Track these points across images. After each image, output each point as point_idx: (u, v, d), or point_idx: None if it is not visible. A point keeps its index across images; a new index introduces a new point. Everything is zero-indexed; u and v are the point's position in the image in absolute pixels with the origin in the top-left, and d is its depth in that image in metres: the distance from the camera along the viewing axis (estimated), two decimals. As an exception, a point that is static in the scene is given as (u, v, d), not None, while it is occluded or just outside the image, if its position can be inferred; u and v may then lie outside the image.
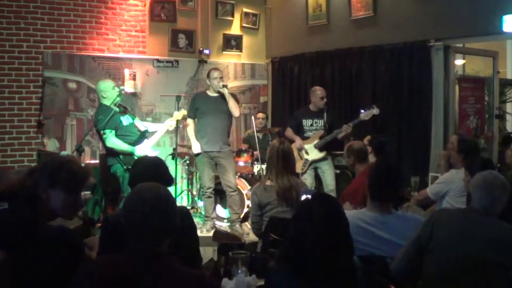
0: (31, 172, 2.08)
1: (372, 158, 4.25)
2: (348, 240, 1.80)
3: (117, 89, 4.72)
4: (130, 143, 4.64)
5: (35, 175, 2.05)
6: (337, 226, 1.78)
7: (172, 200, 1.75)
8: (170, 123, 5.01)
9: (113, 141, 4.57)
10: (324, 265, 1.71)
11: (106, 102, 4.66)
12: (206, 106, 5.10)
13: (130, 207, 1.70)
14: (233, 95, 5.35)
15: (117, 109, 4.65)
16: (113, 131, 4.58)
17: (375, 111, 5.22)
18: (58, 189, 2.00)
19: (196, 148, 5.20)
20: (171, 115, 5.29)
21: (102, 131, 4.56)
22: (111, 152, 4.63)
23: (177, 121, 5.08)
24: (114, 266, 1.65)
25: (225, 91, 5.06)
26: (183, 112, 5.17)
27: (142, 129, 4.85)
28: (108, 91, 4.67)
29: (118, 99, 4.68)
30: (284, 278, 1.73)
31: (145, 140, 4.79)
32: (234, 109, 5.10)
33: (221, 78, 5.15)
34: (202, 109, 5.13)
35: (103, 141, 4.64)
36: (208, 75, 5.21)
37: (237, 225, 5.23)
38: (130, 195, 1.78)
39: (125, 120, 4.74)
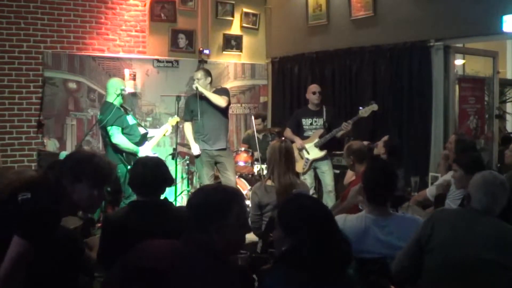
0: (52, 166, 2.08)
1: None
2: (340, 236, 1.82)
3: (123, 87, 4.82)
4: (133, 144, 4.69)
5: (57, 168, 2.05)
6: (328, 224, 1.81)
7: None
8: (166, 128, 5.13)
9: (119, 138, 4.59)
10: (322, 266, 1.71)
11: (110, 98, 4.71)
12: (200, 107, 5.11)
13: (193, 198, 1.76)
14: (220, 90, 5.37)
15: (120, 108, 4.72)
16: (120, 128, 4.62)
17: (374, 107, 5.23)
18: (83, 183, 2.00)
19: (195, 149, 5.23)
20: (171, 115, 5.34)
21: (108, 127, 4.58)
22: (115, 149, 4.64)
23: (172, 126, 5.16)
24: (170, 250, 1.67)
25: (200, 90, 5.06)
26: (177, 118, 5.27)
27: (142, 131, 4.90)
28: (121, 87, 4.77)
29: (120, 99, 4.73)
30: (278, 281, 1.73)
31: (146, 142, 4.86)
32: (217, 101, 5.09)
33: (198, 79, 5.14)
34: (196, 111, 5.14)
35: (108, 138, 4.64)
36: None
37: None
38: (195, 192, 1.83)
39: (130, 119, 4.80)
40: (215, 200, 1.69)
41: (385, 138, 4.57)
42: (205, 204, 1.69)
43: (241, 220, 1.72)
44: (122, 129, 4.65)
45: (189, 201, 1.79)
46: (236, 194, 1.78)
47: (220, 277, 1.62)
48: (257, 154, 5.89)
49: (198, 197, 1.74)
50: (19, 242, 1.81)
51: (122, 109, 4.79)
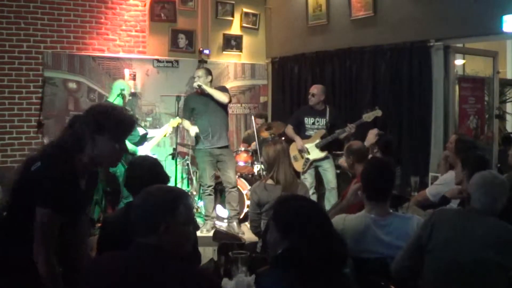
0: (72, 123, 2.05)
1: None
2: (335, 236, 1.83)
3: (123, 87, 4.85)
4: (132, 144, 4.70)
5: (78, 123, 2.02)
6: (324, 225, 1.82)
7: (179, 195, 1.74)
8: (166, 130, 5.14)
9: None
10: (317, 267, 1.72)
11: (111, 98, 4.74)
12: (201, 106, 5.11)
13: (138, 200, 1.72)
14: (220, 88, 5.36)
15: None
16: None
17: (378, 112, 5.22)
18: (105, 136, 1.98)
19: (193, 130, 5.13)
20: (171, 115, 5.34)
21: None
22: None
23: (173, 128, 5.16)
24: (118, 262, 1.65)
25: (202, 87, 5.07)
26: (178, 120, 5.26)
27: (142, 132, 4.91)
28: (126, 88, 4.85)
29: (120, 99, 4.75)
30: (275, 282, 1.73)
31: (146, 143, 4.87)
32: (220, 97, 5.09)
33: (199, 77, 5.14)
34: (197, 109, 5.14)
35: None
36: None
37: (234, 223, 5.22)
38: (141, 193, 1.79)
39: None
40: (161, 201, 1.66)
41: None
42: (152, 205, 1.66)
43: (188, 218, 1.71)
44: None
45: (133, 205, 1.74)
46: (181, 192, 1.77)
47: (174, 277, 1.59)
48: (254, 145, 5.89)
49: (143, 199, 1.70)
50: (41, 212, 1.86)
51: None
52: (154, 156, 4.57)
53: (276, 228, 1.85)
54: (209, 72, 5.26)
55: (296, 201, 1.94)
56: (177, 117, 5.30)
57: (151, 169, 2.59)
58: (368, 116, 5.24)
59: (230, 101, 5.26)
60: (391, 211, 2.64)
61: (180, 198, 1.70)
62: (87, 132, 1.97)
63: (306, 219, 1.79)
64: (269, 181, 3.54)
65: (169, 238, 1.63)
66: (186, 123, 5.26)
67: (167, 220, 1.63)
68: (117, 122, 2.00)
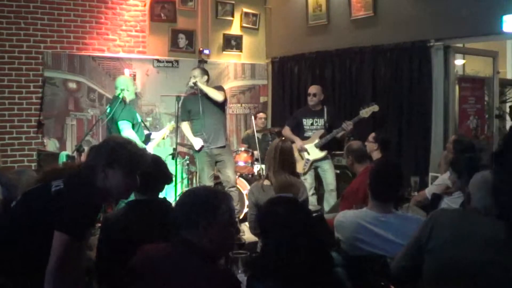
0: (87, 154, 2.10)
1: (377, 155, 4.30)
2: (319, 237, 1.87)
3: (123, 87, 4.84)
4: None
5: (91, 154, 2.05)
6: (305, 226, 1.84)
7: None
8: (164, 132, 5.19)
9: (129, 133, 4.53)
10: (301, 266, 1.73)
11: (120, 95, 4.74)
12: (197, 107, 5.11)
13: (182, 197, 1.81)
14: (216, 87, 5.36)
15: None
16: (130, 123, 4.61)
17: (375, 108, 5.24)
18: (116, 169, 1.99)
19: (197, 144, 5.16)
20: (171, 115, 5.36)
21: (119, 121, 4.57)
22: None
23: (170, 131, 5.23)
24: (160, 251, 1.73)
25: (198, 86, 5.06)
26: (173, 125, 5.29)
27: (146, 132, 4.95)
28: (131, 85, 4.81)
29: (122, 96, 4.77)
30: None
31: (149, 143, 4.89)
32: (215, 95, 5.09)
33: (195, 76, 5.13)
34: (194, 111, 5.14)
35: (118, 132, 4.60)
36: None
37: None
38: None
39: (138, 117, 4.85)
40: (203, 199, 1.73)
41: (373, 134, 4.55)
42: (194, 203, 1.72)
43: (229, 219, 1.74)
44: (133, 125, 4.66)
45: (178, 201, 1.82)
46: (224, 194, 1.83)
47: (207, 278, 1.63)
48: (257, 154, 5.89)
49: (187, 197, 1.78)
50: (61, 238, 1.80)
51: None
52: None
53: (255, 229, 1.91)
54: (205, 72, 5.27)
55: (274, 205, 1.95)
56: (172, 122, 5.32)
57: (154, 167, 2.59)
58: (365, 112, 5.25)
59: (225, 100, 5.27)
60: (393, 210, 2.66)
61: (222, 200, 1.75)
62: (99, 166, 1.99)
63: (276, 225, 1.82)
64: (266, 182, 3.48)
65: (210, 237, 1.68)
66: (188, 132, 5.25)
67: (207, 219, 1.68)
68: (128, 157, 2.02)
